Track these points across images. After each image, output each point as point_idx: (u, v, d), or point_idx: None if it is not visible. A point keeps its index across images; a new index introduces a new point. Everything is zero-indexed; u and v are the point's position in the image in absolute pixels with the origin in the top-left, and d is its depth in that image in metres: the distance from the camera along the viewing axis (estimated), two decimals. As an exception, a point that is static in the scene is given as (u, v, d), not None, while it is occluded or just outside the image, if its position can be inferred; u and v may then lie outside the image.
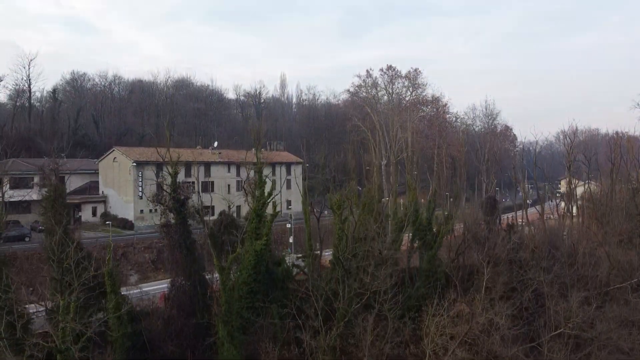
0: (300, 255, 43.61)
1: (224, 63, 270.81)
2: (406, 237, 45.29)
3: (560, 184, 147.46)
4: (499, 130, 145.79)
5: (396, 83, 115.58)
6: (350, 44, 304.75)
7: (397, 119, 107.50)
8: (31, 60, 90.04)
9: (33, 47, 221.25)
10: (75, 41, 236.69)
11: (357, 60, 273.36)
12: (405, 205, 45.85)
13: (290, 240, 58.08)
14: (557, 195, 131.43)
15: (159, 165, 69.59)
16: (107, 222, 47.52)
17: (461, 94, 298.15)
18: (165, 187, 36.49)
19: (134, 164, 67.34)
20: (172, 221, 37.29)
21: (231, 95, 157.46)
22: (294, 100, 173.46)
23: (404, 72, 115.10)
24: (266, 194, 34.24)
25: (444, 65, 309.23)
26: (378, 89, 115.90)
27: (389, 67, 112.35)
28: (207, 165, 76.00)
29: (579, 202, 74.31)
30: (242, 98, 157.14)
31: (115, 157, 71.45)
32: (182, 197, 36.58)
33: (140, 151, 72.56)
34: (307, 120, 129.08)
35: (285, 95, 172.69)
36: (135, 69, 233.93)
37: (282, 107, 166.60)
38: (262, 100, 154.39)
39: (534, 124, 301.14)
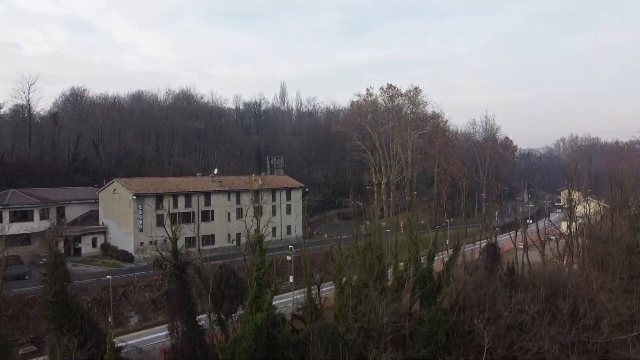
0: (300, 305, 43.64)
1: (225, 62, 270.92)
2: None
3: (560, 195, 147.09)
4: (499, 143, 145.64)
5: (396, 101, 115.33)
6: (350, 44, 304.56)
7: (397, 138, 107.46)
8: (31, 84, 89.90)
9: (33, 48, 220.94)
10: (75, 41, 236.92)
11: (357, 60, 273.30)
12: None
13: (291, 279, 58.06)
14: (557, 211, 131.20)
15: (158, 197, 69.73)
16: (108, 277, 47.48)
17: (461, 95, 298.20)
18: (164, 254, 36.37)
19: (134, 197, 67.22)
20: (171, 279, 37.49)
21: (231, 104, 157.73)
22: (294, 109, 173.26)
23: (404, 90, 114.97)
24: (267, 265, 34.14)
25: (443, 65, 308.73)
26: (378, 107, 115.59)
27: (390, 86, 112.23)
28: (207, 195, 75.89)
29: (580, 222, 73.47)
30: (241, 107, 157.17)
31: (115, 189, 71.29)
32: (183, 263, 36.62)
33: (140, 182, 72.43)
34: (308, 136, 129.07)
35: (285, 104, 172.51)
36: (135, 68, 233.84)
37: (282, 116, 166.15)
38: (262, 112, 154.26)
39: (534, 123, 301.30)
